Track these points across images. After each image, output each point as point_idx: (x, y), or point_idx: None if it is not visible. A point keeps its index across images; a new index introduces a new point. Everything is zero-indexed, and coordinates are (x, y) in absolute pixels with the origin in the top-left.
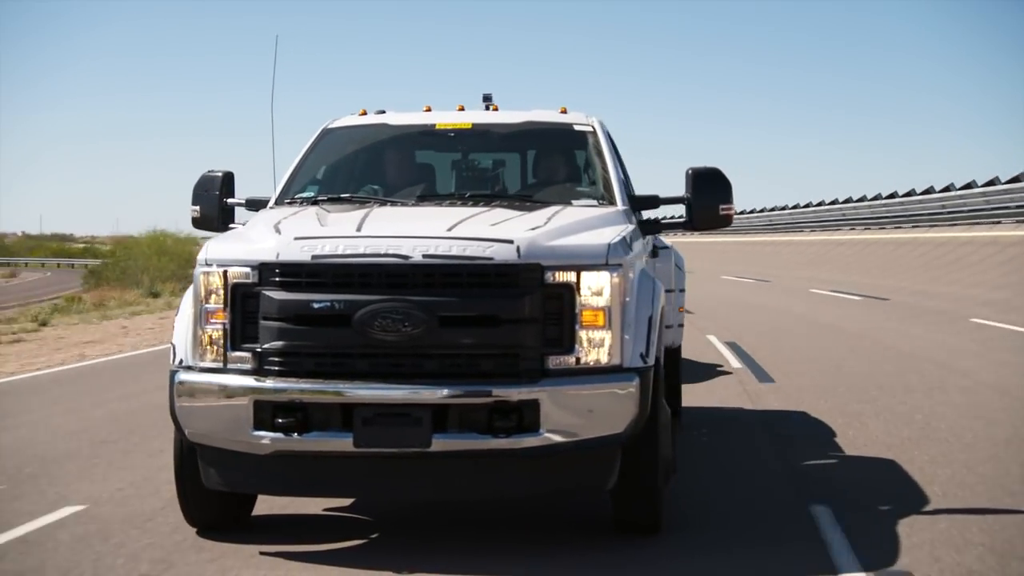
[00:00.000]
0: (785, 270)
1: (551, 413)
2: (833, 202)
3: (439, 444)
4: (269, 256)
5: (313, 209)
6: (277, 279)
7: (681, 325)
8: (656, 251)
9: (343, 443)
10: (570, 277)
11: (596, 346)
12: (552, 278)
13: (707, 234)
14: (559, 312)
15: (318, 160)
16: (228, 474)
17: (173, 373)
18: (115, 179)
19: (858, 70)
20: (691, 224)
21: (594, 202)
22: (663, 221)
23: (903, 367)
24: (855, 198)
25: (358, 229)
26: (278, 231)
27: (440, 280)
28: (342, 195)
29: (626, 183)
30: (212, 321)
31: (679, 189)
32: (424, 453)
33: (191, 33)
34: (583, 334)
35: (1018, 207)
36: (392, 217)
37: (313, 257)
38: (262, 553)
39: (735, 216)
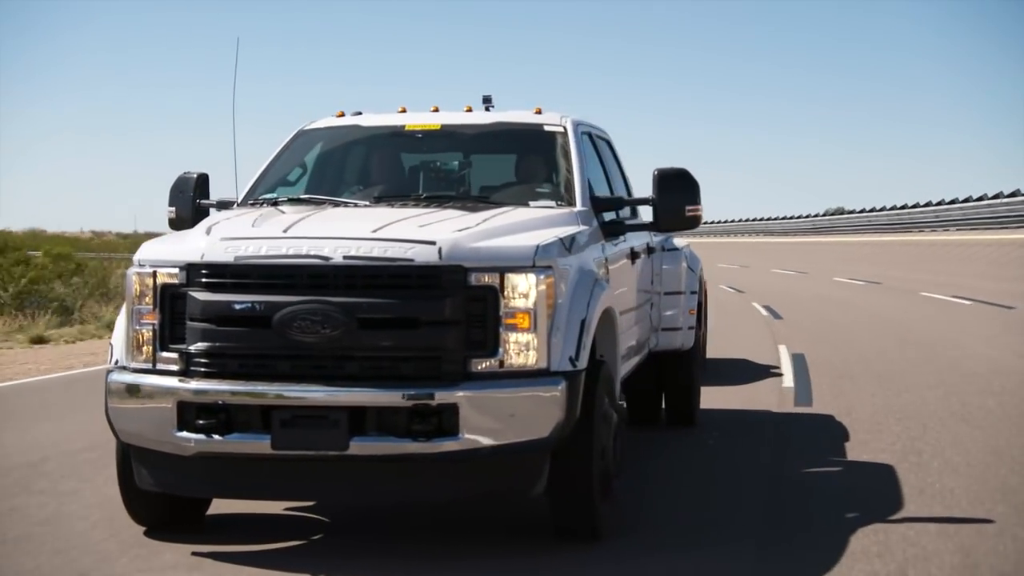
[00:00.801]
0: (900, 271)
1: (471, 417)
2: (927, 204)
3: (357, 447)
4: (195, 257)
5: (265, 210)
6: (202, 280)
7: (692, 328)
8: (651, 251)
9: (262, 445)
10: (493, 279)
11: (521, 349)
12: (475, 280)
13: (815, 234)
14: (483, 315)
15: (289, 161)
16: (158, 475)
17: (108, 373)
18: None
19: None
20: (656, 226)
21: (552, 203)
22: (630, 223)
23: None
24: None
25: (285, 230)
26: (208, 232)
27: (361, 282)
28: (302, 196)
29: (609, 183)
30: (143, 321)
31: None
32: (342, 456)
33: (179, 29)
34: (507, 337)
35: None
36: (330, 218)
37: (236, 258)
38: (194, 554)
39: (741, 221)
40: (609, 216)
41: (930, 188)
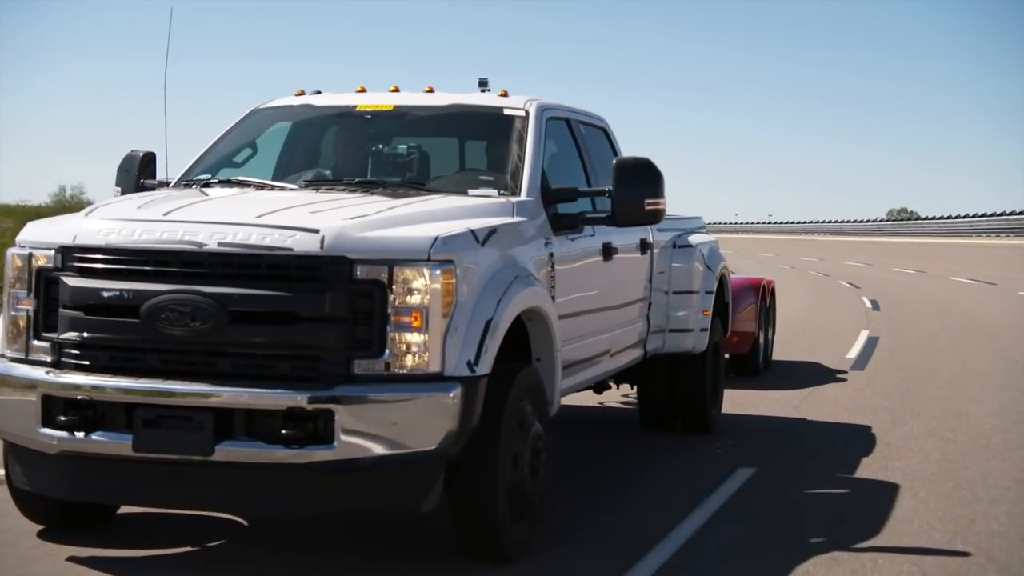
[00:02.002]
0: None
1: (349, 424)
2: None
3: (222, 453)
4: (68, 239)
5: (172, 192)
6: (75, 264)
7: (705, 330)
8: (646, 247)
9: (124, 446)
10: (381, 273)
11: (411, 351)
12: (361, 273)
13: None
14: (369, 311)
15: (238, 140)
16: (28, 473)
17: None
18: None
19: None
20: (613, 219)
21: (494, 192)
22: (590, 216)
23: None
24: None
25: (167, 214)
26: (89, 213)
27: (236, 271)
28: (235, 178)
29: (589, 174)
30: (19, 307)
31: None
32: (206, 462)
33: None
34: (396, 337)
35: None
36: (227, 202)
37: (107, 242)
38: (69, 559)
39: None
40: (567, 208)
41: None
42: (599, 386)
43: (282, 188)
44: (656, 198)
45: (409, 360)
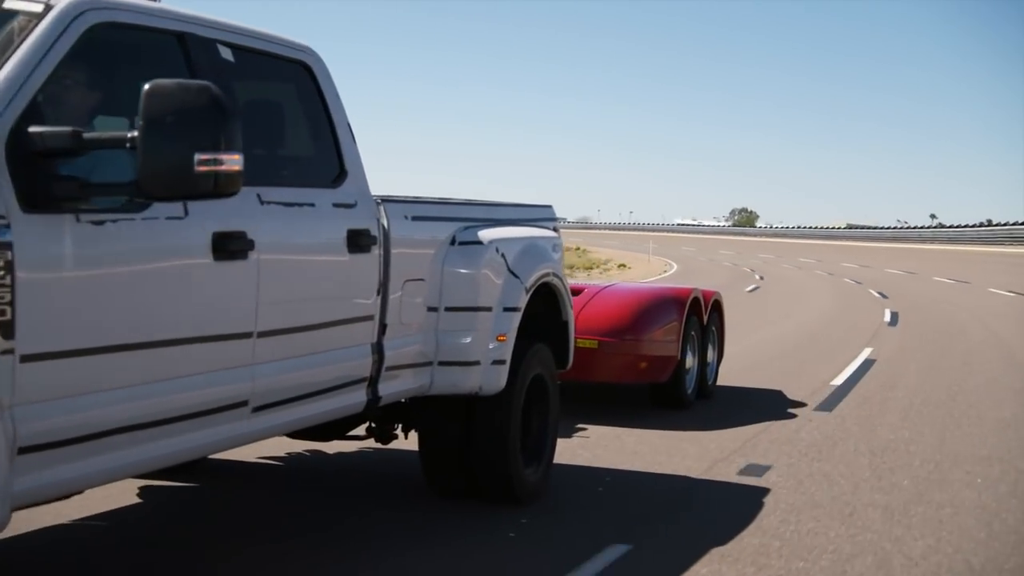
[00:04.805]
0: None
1: None
2: None
3: None
4: None
5: None
6: None
7: (501, 362)
8: (358, 241)
9: None
10: None
11: None
12: None
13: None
14: None
15: None
16: None
17: None
18: None
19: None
20: (138, 188)
21: None
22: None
23: None
24: None
25: None
26: None
27: None
28: None
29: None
30: None
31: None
32: None
33: None
34: None
35: None
36: None
37: None
38: None
39: None
40: (75, 169)
41: None
42: (382, 436)
43: None
44: (216, 152)
45: None
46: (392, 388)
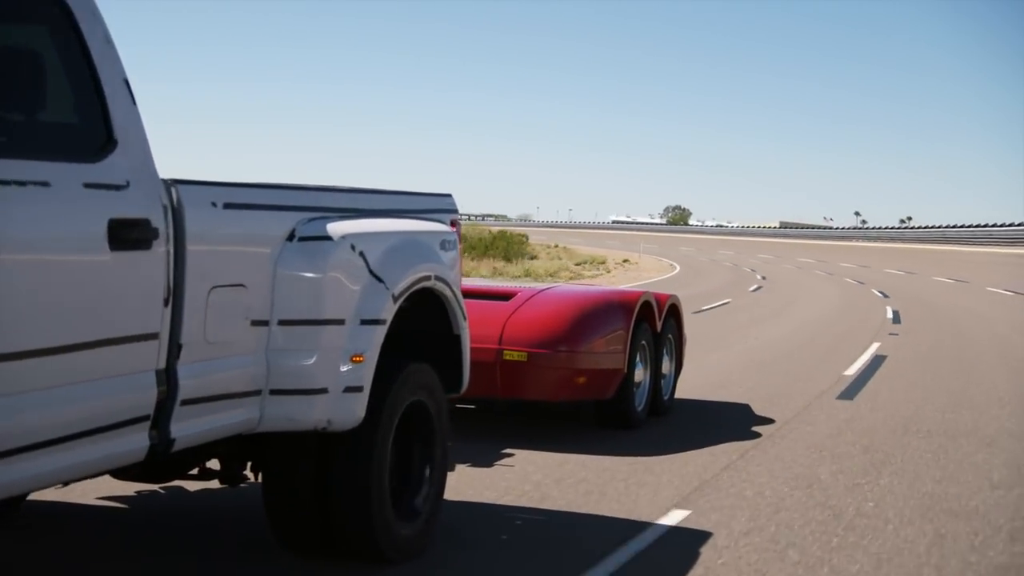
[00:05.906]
0: None
1: None
2: None
3: None
4: None
5: None
6: None
7: (357, 389)
8: (129, 234)
9: None
10: None
11: None
12: None
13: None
14: None
15: None
16: None
17: None
18: None
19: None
20: None
21: None
22: None
23: None
24: None
25: None
26: None
27: None
28: None
29: None
30: None
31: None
32: None
33: None
34: None
35: None
36: None
37: None
38: None
39: None
40: None
41: None
42: (227, 477)
43: None
44: None
45: None
46: (193, 428)
